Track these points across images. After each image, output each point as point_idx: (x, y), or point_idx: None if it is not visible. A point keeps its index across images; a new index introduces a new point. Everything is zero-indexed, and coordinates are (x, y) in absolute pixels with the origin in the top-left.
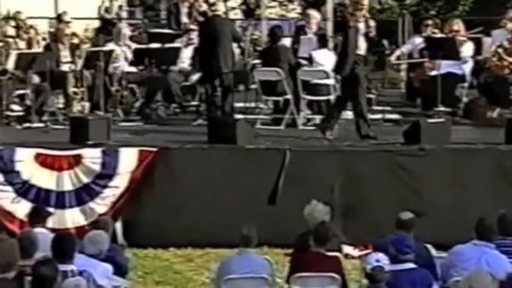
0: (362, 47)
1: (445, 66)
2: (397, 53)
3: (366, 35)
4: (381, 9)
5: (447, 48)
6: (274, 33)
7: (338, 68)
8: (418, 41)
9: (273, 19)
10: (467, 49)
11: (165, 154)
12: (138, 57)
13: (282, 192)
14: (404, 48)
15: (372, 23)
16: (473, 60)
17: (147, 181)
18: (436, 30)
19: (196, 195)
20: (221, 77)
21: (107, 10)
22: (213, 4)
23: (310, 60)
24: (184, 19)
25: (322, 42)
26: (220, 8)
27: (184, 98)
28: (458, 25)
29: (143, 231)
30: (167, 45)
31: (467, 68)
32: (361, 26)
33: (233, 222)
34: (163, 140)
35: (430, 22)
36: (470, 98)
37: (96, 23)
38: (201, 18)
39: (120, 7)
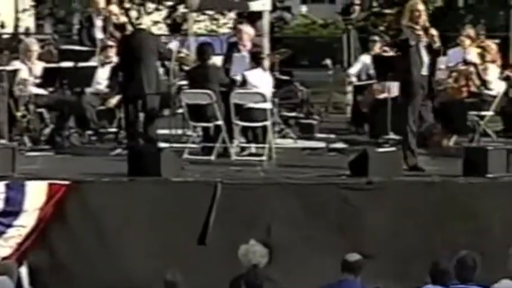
0: (424, 63)
1: (396, 88)
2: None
3: (429, 48)
4: (324, 25)
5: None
6: (203, 51)
7: (403, 93)
8: (366, 60)
9: (202, 35)
10: None
11: (79, 188)
12: (48, 78)
13: (213, 230)
14: (352, 70)
15: (434, 31)
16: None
17: (57, 219)
18: (386, 48)
19: (115, 236)
20: (144, 100)
21: (2, 25)
22: (137, 18)
23: (243, 81)
24: (99, 34)
25: (257, 61)
26: (144, 22)
27: (100, 124)
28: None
29: (52, 276)
30: (81, 64)
31: None
32: (422, 38)
33: (156, 265)
34: (77, 172)
35: (377, 38)
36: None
37: None
38: (117, 33)
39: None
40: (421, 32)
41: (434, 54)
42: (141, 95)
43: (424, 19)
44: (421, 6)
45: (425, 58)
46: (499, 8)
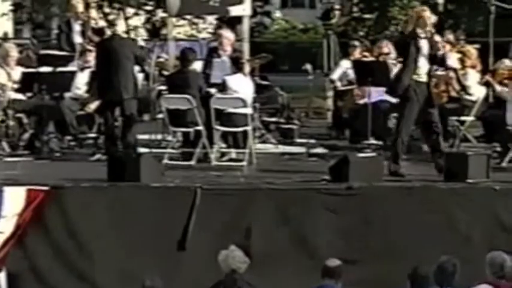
0: (423, 69)
1: (376, 93)
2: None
3: (433, 56)
4: (304, 29)
5: (377, 74)
6: (186, 57)
7: (391, 89)
8: (347, 65)
9: (182, 40)
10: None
11: (58, 194)
12: (27, 83)
13: (193, 236)
14: (335, 75)
15: (438, 38)
16: None
17: (36, 225)
18: (366, 53)
19: (94, 241)
20: (122, 105)
21: None
22: (112, 22)
23: (223, 86)
24: (77, 39)
25: (237, 66)
26: (120, 26)
27: (80, 129)
28: (388, 47)
29: (31, 282)
30: (60, 69)
31: None
32: (424, 44)
33: (136, 271)
34: (56, 178)
35: (357, 43)
36: None
37: None
38: (96, 38)
39: None
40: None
41: (437, 63)
42: (118, 100)
43: (430, 26)
44: (427, 14)
45: (426, 65)
46: (478, 13)
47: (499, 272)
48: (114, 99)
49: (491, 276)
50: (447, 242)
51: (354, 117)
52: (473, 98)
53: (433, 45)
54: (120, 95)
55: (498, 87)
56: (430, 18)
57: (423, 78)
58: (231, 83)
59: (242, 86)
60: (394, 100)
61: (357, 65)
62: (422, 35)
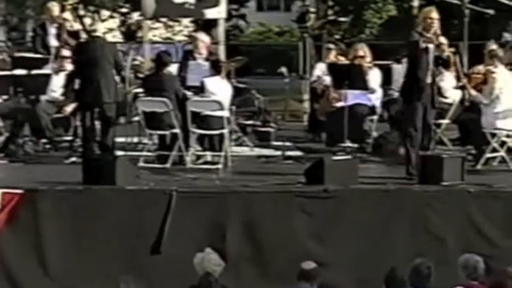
0: (429, 71)
1: (352, 96)
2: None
3: (437, 57)
4: (279, 32)
5: (353, 77)
6: (162, 60)
7: (402, 92)
8: (322, 67)
9: (157, 42)
10: (375, 77)
11: (33, 197)
12: (2, 86)
13: (168, 239)
14: (313, 77)
15: (444, 39)
16: (382, 90)
17: (10, 228)
18: (341, 58)
19: (69, 244)
20: (102, 108)
21: None
22: (91, 24)
23: (201, 88)
24: (53, 41)
25: (216, 69)
26: (99, 29)
27: (55, 132)
28: (363, 50)
29: (5, 285)
30: (35, 72)
31: (377, 98)
32: (431, 46)
33: (111, 274)
34: (31, 181)
35: (332, 46)
36: (380, 132)
37: None
38: (71, 40)
39: None
40: (433, 37)
41: (441, 64)
42: (99, 102)
43: (436, 27)
44: (434, 15)
45: (431, 66)
46: (453, 16)
47: (473, 274)
48: (95, 102)
49: (465, 278)
50: (422, 244)
51: (330, 120)
52: (449, 101)
53: (438, 46)
54: (101, 97)
55: (473, 92)
56: (437, 19)
57: (428, 79)
58: (209, 86)
59: (220, 88)
60: (370, 103)
61: (333, 68)
62: (429, 36)
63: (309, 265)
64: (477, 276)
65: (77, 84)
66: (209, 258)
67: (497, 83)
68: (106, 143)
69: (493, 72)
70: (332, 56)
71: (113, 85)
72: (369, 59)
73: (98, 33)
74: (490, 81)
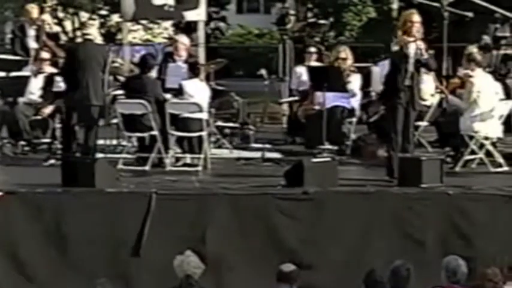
0: (409, 74)
1: (331, 99)
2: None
3: (418, 61)
4: (259, 34)
5: (332, 79)
6: (146, 63)
7: (382, 95)
8: (301, 70)
9: (137, 44)
10: (354, 80)
11: (11, 199)
12: None
13: (148, 242)
14: (293, 84)
15: (422, 44)
16: (362, 92)
17: None
18: (319, 63)
19: (47, 247)
20: (88, 110)
21: None
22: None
23: (180, 91)
24: (32, 43)
25: (194, 72)
26: (93, 32)
27: (34, 134)
28: (345, 52)
29: None
30: (14, 74)
31: (356, 101)
32: (411, 49)
33: (89, 276)
34: (9, 183)
35: (313, 50)
36: (359, 134)
37: None
38: (50, 42)
39: None
40: (411, 40)
41: (421, 67)
42: (87, 105)
43: (416, 31)
44: (415, 18)
45: (411, 69)
46: (432, 19)
47: (452, 278)
48: (82, 104)
49: (446, 280)
50: (401, 246)
51: (309, 123)
52: (427, 103)
53: (417, 49)
54: (89, 100)
55: (451, 97)
56: (418, 22)
57: (407, 82)
58: (187, 88)
59: (198, 91)
60: (348, 106)
61: (312, 70)
62: (410, 40)
63: (288, 267)
64: (457, 279)
65: (63, 86)
66: (189, 260)
67: (475, 86)
68: (88, 145)
69: (470, 76)
70: (312, 60)
71: (101, 88)
72: (350, 61)
73: (91, 37)
74: (467, 85)
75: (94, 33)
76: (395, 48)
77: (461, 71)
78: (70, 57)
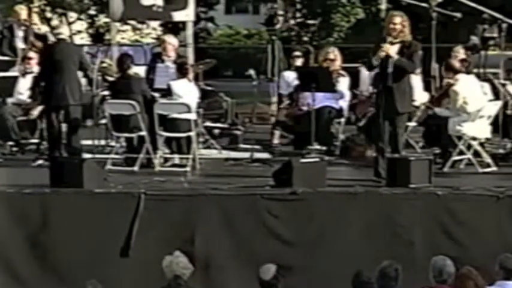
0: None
1: (320, 99)
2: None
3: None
4: (248, 35)
5: (321, 80)
6: (122, 62)
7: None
8: (289, 74)
9: (126, 45)
10: (343, 81)
11: None
12: None
13: (136, 242)
14: (283, 90)
15: (391, 49)
16: (350, 92)
17: None
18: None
19: (35, 248)
20: (67, 110)
21: None
22: (56, 27)
23: (168, 91)
24: (20, 44)
25: (182, 72)
26: (65, 32)
27: (22, 135)
28: (334, 53)
29: None
30: (2, 74)
31: (344, 101)
32: (392, 50)
33: (79, 278)
34: None
35: (299, 54)
36: (348, 135)
37: None
38: (38, 43)
39: None
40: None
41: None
42: (64, 105)
43: (397, 32)
44: (397, 19)
45: (390, 69)
46: (420, 20)
47: (437, 277)
48: (60, 105)
49: (433, 280)
50: (389, 246)
51: (297, 123)
52: (416, 104)
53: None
54: (66, 100)
55: (438, 110)
56: (399, 23)
57: (389, 83)
58: (175, 89)
59: (187, 91)
60: (337, 106)
61: (301, 71)
62: (390, 40)
63: (268, 274)
64: (443, 279)
65: (44, 86)
66: (178, 261)
67: (459, 95)
68: (73, 146)
69: (452, 85)
70: (299, 63)
71: (78, 87)
72: (339, 62)
73: (63, 36)
74: (451, 94)
75: (66, 32)
76: (375, 63)
77: (444, 81)
78: (46, 58)
